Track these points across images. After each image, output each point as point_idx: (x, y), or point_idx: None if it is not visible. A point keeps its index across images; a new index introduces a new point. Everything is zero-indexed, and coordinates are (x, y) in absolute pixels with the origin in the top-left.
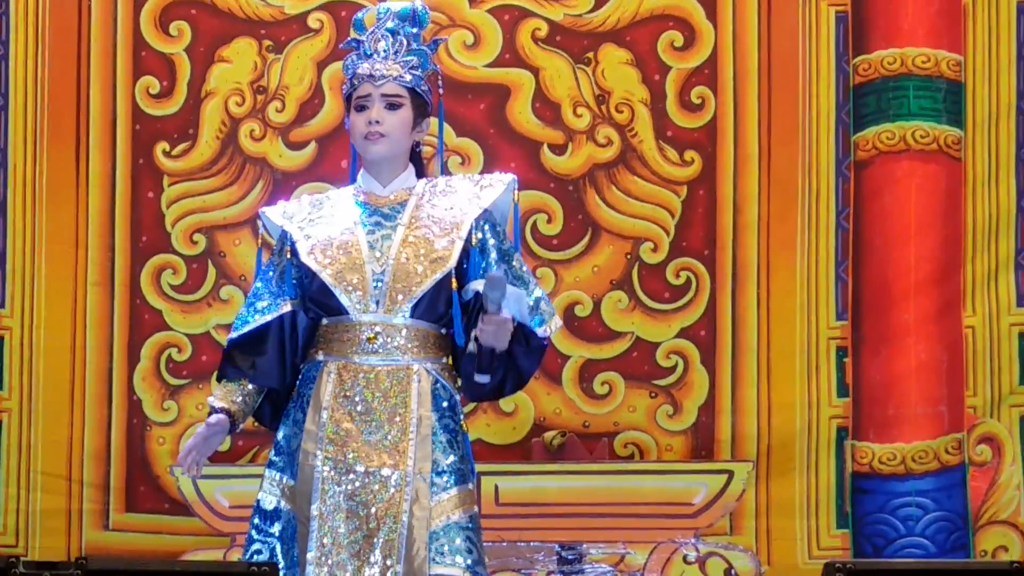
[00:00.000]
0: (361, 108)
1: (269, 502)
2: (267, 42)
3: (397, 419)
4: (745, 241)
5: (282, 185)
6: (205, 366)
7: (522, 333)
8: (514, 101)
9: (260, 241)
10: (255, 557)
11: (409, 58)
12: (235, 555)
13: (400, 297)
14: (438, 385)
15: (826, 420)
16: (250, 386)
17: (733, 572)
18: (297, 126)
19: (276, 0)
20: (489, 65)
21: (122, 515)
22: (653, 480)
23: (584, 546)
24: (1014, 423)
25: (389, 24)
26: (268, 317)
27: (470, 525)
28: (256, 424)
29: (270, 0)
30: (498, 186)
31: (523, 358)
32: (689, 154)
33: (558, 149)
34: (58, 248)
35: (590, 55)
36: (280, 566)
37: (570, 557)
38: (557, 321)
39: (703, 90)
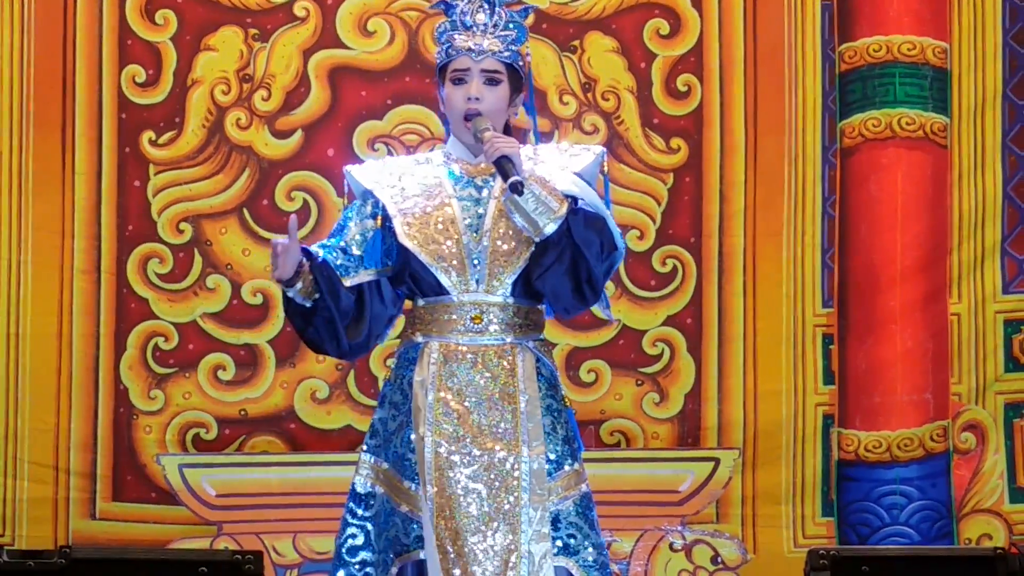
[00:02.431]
0: (459, 81)
1: (363, 485)
2: (253, 30)
3: (507, 400)
4: (731, 229)
5: (268, 174)
6: (191, 355)
7: (573, 205)
8: None
9: (346, 200)
10: (349, 541)
11: (508, 32)
12: (222, 544)
13: (500, 275)
14: (539, 362)
15: (812, 407)
16: (311, 276)
17: (719, 559)
18: (283, 114)
19: None
20: None
21: (108, 504)
22: (639, 468)
23: None
24: (999, 411)
25: None
26: (365, 276)
27: (583, 506)
28: (242, 413)
29: None
30: (587, 155)
31: (578, 229)
32: (675, 142)
33: (544, 137)
34: (44, 237)
35: (576, 43)
36: (372, 549)
37: None
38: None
39: (689, 78)
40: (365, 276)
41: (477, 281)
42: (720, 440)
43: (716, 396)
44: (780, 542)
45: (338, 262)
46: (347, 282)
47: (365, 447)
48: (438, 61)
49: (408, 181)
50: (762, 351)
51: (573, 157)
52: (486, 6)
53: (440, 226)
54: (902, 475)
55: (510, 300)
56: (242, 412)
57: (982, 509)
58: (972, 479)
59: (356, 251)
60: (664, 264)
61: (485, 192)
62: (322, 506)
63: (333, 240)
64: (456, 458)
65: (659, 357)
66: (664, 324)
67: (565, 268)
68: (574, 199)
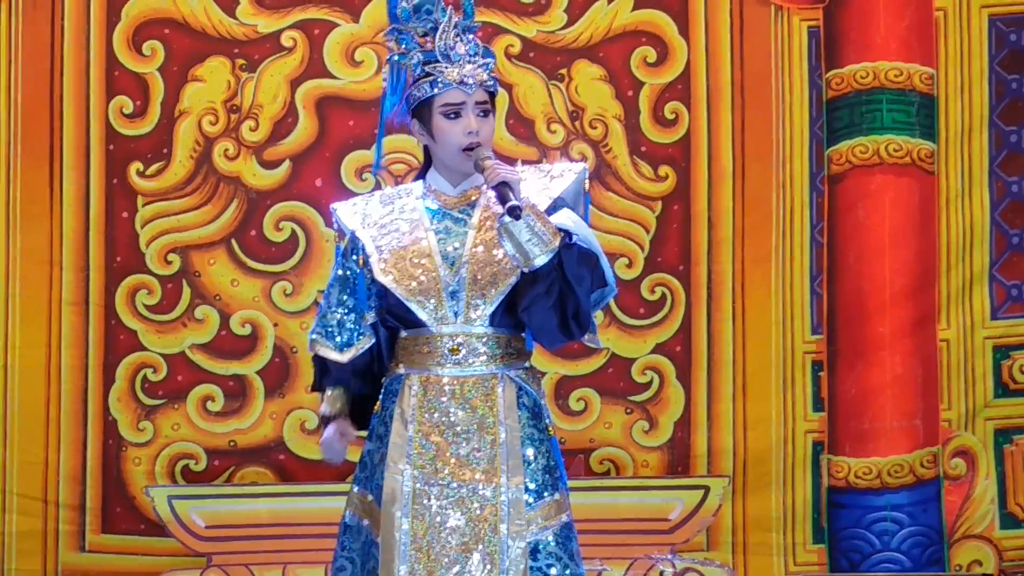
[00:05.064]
0: (454, 115)
1: (351, 518)
2: (240, 61)
3: (485, 431)
4: (720, 256)
5: (256, 204)
6: (180, 386)
7: (567, 239)
8: None
9: (337, 239)
10: (339, 574)
11: (487, 60)
12: (211, 575)
13: (478, 306)
14: (522, 392)
15: (802, 435)
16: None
17: None
18: (271, 145)
19: (249, 19)
20: None
21: (98, 536)
22: (629, 496)
23: None
24: (988, 436)
25: (453, 19)
26: (366, 343)
27: (563, 537)
28: (231, 444)
29: (243, 19)
30: (568, 176)
31: (569, 264)
32: (663, 169)
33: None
34: (33, 268)
35: (563, 71)
36: None
37: None
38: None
39: (677, 105)
40: (366, 342)
41: (455, 313)
42: (710, 468)
43: (706, 424)
44: (771, 569)
45: (339, 339)
46: (349, 354)
47: (355, 480)
48: (423, 94)
49: (389, 218)
50: (751, 378)
51: (555, 179)
52: (461, 34)
53: (416, 259)
54: (893, 501)
55: (489, 330)
56: (231, 443)
57: (973, 535)
58: (963, 505)
59: (352, 301)
60: (653, 292)
61: (463, 223)
62: (312, 537)
63: (335, 309)
64: (434, 490)
65: (648, 385)
66: (653, 352)
67: (552, 302)
68: (568, 233)
